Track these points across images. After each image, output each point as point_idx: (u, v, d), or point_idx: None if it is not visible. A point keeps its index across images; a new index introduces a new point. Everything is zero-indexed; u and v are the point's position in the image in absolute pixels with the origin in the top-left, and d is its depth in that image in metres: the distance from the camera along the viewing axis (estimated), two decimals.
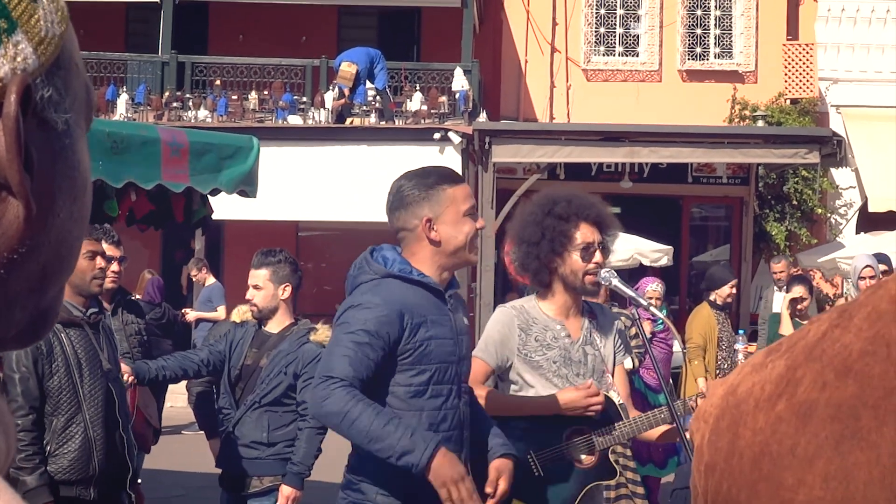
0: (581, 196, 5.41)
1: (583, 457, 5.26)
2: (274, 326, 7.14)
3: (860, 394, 1.30)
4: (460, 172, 19.99)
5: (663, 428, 5.38)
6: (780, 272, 14.14)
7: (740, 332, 11.86)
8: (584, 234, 5.21)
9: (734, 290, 11.59)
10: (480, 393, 5.01)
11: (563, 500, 5.25)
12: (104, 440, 6.14)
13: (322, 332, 6.87)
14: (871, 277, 11.33)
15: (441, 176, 4.65)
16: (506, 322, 5.11)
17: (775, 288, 15.16)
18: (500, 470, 4.69)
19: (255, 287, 7.11)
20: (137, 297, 14.29)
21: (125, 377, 6.87)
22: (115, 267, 8.01)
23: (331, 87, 21.23)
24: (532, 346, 5.14)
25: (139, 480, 6.61)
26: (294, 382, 6.90)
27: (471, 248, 4.61)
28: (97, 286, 6.29)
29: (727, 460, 1.37)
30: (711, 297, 11.70)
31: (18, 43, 1.01)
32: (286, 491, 6.79)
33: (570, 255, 5.16)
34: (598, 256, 5.25)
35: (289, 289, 7.09)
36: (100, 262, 6.26)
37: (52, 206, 1.04)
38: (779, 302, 13.52)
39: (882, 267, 11.73)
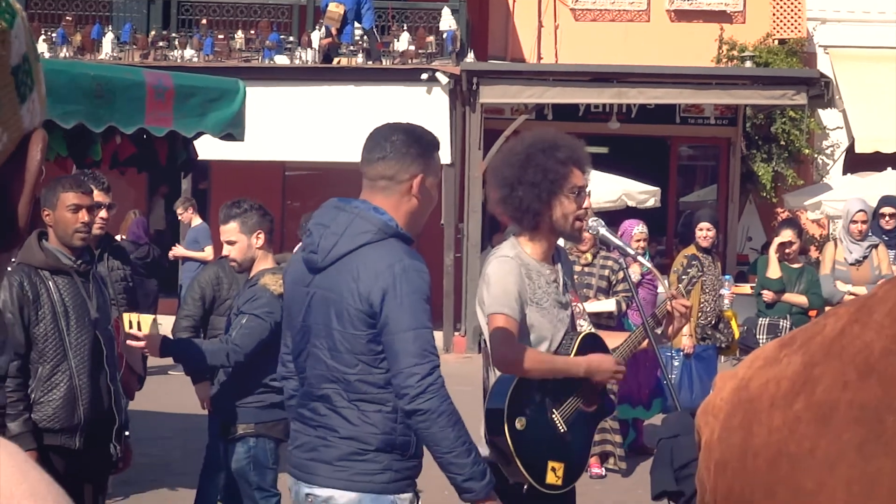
0: (573, 139, 5.37)
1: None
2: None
3: (884, 396, 1.23)
4: (448, 113, 20.05)
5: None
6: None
7: (726, 277, 11.81)
8: (578, 177, 5.16)
9: (711, 232, 11.45)
10: (518, 351, 4.92)
11: (584, 447, 5.29)
12: (90, 389, 6.11)
13: (272, 279, 6.75)
14: (863, 222, 11.34)
15: (434, 141, 4.65)
16: (516, 272, 5.03)
17: None
18: None
19: (229, 242, 6.97)
20: (122, 237, 14.26)
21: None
22: (102, 213, 7.92)
23: (318, 27, 21.06)
24: (538, 292, 5.09)
25: (127, 433, 6.58)
26: None
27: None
28: (79, 239, 6.19)
29: (740, 459, 1.31)
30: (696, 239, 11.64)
31: (35, 100, 1.20)
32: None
33: (564, 198, 5.10)
34: (586, 201, 5.22)
35: (262, 235, 6.90)
36: (83, 215, 6.17)
37: None
38: None
39: (889, 210, 11.75)
